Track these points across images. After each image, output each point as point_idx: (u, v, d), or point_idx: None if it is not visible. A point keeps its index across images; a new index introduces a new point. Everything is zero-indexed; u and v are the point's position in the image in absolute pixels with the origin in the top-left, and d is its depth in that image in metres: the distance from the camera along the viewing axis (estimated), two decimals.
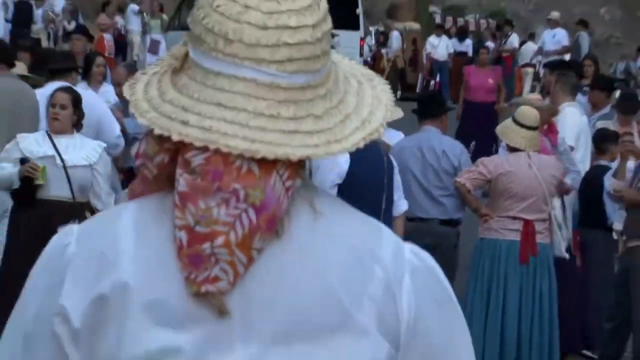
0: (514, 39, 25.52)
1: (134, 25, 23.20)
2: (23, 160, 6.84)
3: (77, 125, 7.10)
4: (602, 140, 8.85)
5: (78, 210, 6.62)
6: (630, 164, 7.97)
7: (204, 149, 1.47)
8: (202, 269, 1.47)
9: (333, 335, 1.51)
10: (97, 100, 8.47)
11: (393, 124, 8.20)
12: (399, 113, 5.96)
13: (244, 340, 1.49)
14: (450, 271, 6.84)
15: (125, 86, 1.58)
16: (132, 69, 9.60)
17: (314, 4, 1.53)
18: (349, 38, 20.01)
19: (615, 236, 8.42)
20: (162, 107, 1.51)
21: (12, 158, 6.92)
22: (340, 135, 1.52)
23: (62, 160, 6.88)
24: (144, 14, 23.08)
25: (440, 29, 27.33)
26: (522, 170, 7.46)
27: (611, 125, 9.66)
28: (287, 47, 1.49)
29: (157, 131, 1.49)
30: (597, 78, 11.91)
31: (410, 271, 1.58)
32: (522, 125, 7.52)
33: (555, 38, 20.97)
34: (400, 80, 25.23)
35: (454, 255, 7.79)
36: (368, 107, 1.57)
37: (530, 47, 24.03)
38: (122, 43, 22.70)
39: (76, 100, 7.11)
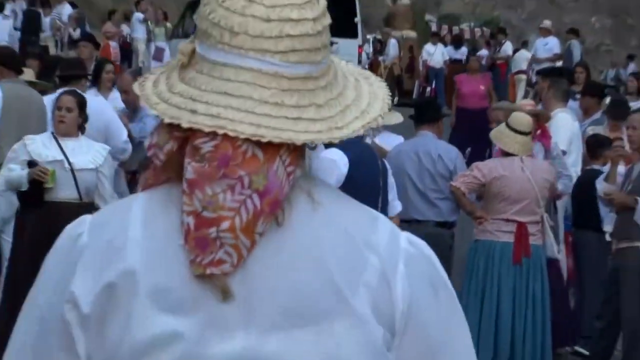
0: (507, 47, 25.69)
1: (139, 33, 23.34)
2: (31, 163, 6.84)
3: (82, 127, 7.12)
4: (598, 146, 8.95)
5: (85, 210, 6.60)
6: (621, 168, 8.06)
7: (213, 135, 1.51)
8: (207, 252, 1.52)
9: (331, 321, 1.54)
10: (106, 107, 8.54)
11: (392, 129, 8.41)
12: (399, 117, 6.10)
13: (245, 324, 1.53)
14: (445, 271, 6.94)
15: (135, 85, 1.63)
16: (138, 75, 9.37)
17: (314, 0, 1.59)
18: (347, 46, 20.08)
19: (608, 238, 8.47)
20: (172, 99, 1.56)
21: (19, 160, 6.91)
22: (341, 122, 1.57)
23: (69, 164, 6.91)
24: (149, 22, 23.20)
25: (436, 37, 27.38)
26: (515, 174, 7.54)
27: (602, 130, 9.75)
28: (290, 38, 1.54)
29: (167, 120, 1.54)
30: (588, 85, 11.99)
31: (405, 258, 1.61)
32: (515, 131, 7.60)
33: (547, 46, 21.04)
34: (397, 86, 25.21)
35: (449, 256, 7.87)
36: (366, 100, 1.62)
37: (524, 54, 24.05)
38: (127, 50, 22.82)
39: (81, 103, 7.13)
